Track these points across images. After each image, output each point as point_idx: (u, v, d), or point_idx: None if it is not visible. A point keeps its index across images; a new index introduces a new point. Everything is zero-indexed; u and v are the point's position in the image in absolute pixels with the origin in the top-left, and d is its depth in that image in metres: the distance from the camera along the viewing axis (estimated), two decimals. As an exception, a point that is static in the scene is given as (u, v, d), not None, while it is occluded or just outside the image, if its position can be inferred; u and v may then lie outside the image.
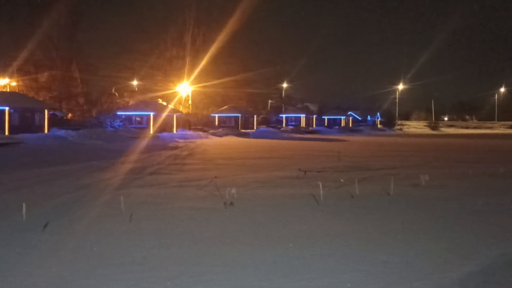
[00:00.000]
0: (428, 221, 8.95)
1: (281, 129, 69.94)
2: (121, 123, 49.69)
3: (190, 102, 70.49)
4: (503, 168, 17.57)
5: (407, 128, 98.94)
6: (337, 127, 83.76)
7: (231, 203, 10.28)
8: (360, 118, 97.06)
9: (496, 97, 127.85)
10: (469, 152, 29.90)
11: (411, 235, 7.84)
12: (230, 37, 66.13)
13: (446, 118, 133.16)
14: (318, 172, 16.71)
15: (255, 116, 73.61)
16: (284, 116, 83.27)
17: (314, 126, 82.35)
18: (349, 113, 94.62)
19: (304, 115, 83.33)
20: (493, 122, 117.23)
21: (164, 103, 58.82)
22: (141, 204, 10.55)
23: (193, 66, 66.55)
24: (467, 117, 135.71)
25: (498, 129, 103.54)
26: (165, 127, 51.21)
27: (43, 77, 57.57)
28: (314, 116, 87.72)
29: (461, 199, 11.30)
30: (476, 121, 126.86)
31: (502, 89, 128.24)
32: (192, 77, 67.48)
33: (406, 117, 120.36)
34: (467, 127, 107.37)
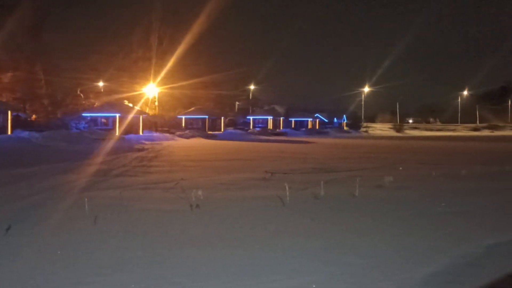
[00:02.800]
0: (392, 222, 9.07)
1: (249, 131, 70.10)
2: (87, 125, 49.16)
3: (156, 103, 70.08)
4: (465, 170, 17.91)
5: (373, 130, 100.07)
6: (304, 129, 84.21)
7: (197, 205, 10.26)
8: (326, 120, 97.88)
9: (459, 100, 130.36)
10: (433, 154, 30.39)
11: (376, 236, 7.94)
12: (198, 38, 66.09)
13: (410, 121, 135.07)
14: (285, 173, 16.78)
15: (222, 118, 73.62)
16: (251, 118, 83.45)
17: (281, 128, 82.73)
18: (316, 115, 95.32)
19: (271, 117, 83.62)
20: (456, 124, 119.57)
21: (130, 105, 58.40)
22: (106, 206, 10.44)
23: (160, 67, 66.25)
24: (431, 119, 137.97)
25: (461, 131, 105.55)
26: (131, 129, 50.82)
27: (6, 78, 56.51)
28: (281, 118, 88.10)
29: (424, 200, 11.48)
30: (439, 123, 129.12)
31: (465, 92, 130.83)
32: (159, 79, 67.11)
33: (372, 119, 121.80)
34: (431, 130, 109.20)
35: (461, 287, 5.71)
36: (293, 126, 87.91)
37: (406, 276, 5.99)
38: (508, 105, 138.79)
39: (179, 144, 40.42)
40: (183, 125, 67.19)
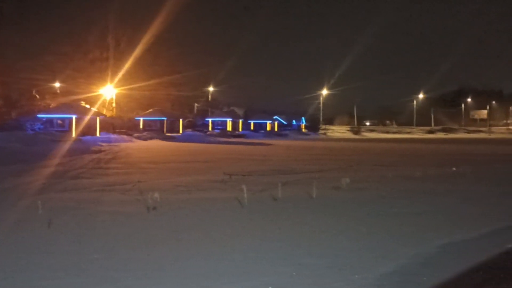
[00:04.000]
0: (349, 222, 9.18)
1: (207, 133, 69.86)
2: (42, 126, 48.20)
3: (114, 105, 69.22)
4: (420, 171, 18.26)
5: (331, 132, 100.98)
6: (263, 131, 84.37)
7: (154, 208, 10.19)
8: (285, 123, 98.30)
9: (415, 103, 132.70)
10: (389, 156, 30.87)
11: (333, 237, 8.02)
12: (156, 39, 65.59)
13: (368, 123, 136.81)
14: (243, 175, 16.80)
15: (181, 119, 73.13)
16: (210, 119, 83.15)
17: (240, 130, 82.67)
18: (275, 117, 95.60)
19: (230, 119, 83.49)
20: (412, 127, 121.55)
21: (87, 106, 57.51)
22: (62, 209, 10.27)
23: (118, 68, 65.42)
24: (388, 122, 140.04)
25: (417, 133, 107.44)
26: (88, 130, 50.07)
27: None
28: (241, 120, 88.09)
29: (379, 201, 11.66)
30: (396, 126, 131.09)
31: (421, 95, 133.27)
32: (116, 80, 66.29)
33: (330, 121, 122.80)
34: (387, 132, 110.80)
35: (415, 286, 5.82)
36: (252, 128, 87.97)
37: (361, 276, 6.07)
38: (462, 108, 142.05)
39: (137, 146, 40.02)
40: (141, 126, 66.51)
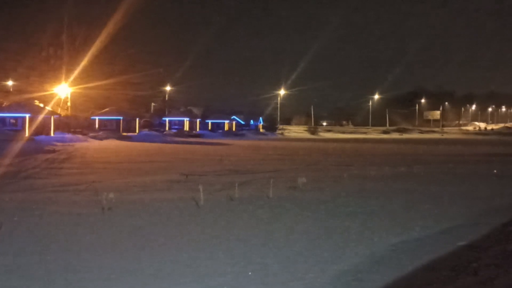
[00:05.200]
0: (304, 222, 9.24)
1: (164, 132, 69.33)
2: (-6, 125, 47.02)
3: (69, 104, 67.96)
4: (375, 171, 18.53)
5: (288, 132, 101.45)
6: (220, 131, 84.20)
7: (109, 208, 10.05)
8: (243, 123, 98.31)
9: (370, 103, 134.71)
10: (345, 156, 31.22)
11: (288, 237, 8.07)
12: (114, 37, 64.66)
13: (324, 123, 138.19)
14: (200, 175, 16.74)
15: (137, 119, 72.31)
16: (167, 119, 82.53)
17: (197, 130, 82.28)
18: (232, 117, 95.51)
19: (187, 119, 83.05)
20: (367, 127, 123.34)
21: (42, 105, 56.27)
22: (14, 210, 10.03)
23: (73, 66, 64.22)
24: (344, 122, 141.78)
25: (372, 134, 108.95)
26: (42, 129, 49.02)
27: None
28: (198, 119, 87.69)
29: (335, 200, 11.78)
30: (352, 126, 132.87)
31: (376, 96, 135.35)
32: (72, 78, 65.08)
33: (288, 121, 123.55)
34: (343, 132, 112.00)
35: (369, 285, 5.89)
36: (209, 128, 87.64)
37: (316, 275, 6.12)
38: (416, 109, 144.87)
39: (92, 146, 39.41)
40: (97, 126, 65.52)
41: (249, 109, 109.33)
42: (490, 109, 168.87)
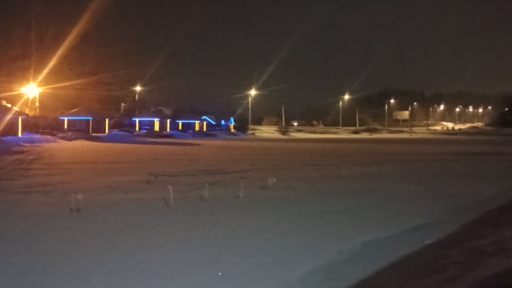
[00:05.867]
0: (275, 222, 9.27)
1: (134, 133, 68.85)
2: (-41, 126, 46.09)
3: (37, 104, 66.96)
4: (345, 170, 18.67)
5: (259, 132, 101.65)
6: (191, 131, 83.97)
7: (78, 209, 9.94)
8: (214, 123, 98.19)
9: (341, 103, 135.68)
10: (316, 156, 31.40)
11: (259, 236, 8.07)
12: (83, 36, 63.93)
13: (295, 123, 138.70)
14: (170, 176, 16.65)
15: (107, 119, 71.67)
16: (137, 119, 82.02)
17: (168, 130, 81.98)
18: (203, 117, 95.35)
19: (158, 119, 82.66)
20: (338, 127, 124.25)
21: (9, 105, 55.33)
22: (-22, 212, 9.86)
23: (42, 66, 63.25)
24: (315, 122, 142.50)
25: (342, 133, 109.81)
26: (9, 130, 48.19)
27: None
28: (169, 120, 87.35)
29: (305, 200, 11.83)
30: (323, 126, 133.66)
31: (346, 96, 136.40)
32: (40, 78, 64.10)
33: (259, 122, 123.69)
34: (314, 132, 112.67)
35: (338, 283, 5.93)
36: (180, 128, 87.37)
37: (286, 274, 6.14)
38: (385, 109, 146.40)
39: (61, 147, 38.92)
40: (66, 126, 64.76)
41: (220, 110, 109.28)
42: (457, 109, 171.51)
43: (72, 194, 10.77)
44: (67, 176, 16.66)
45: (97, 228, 8.60)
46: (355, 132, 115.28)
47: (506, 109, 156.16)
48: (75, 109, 67.90)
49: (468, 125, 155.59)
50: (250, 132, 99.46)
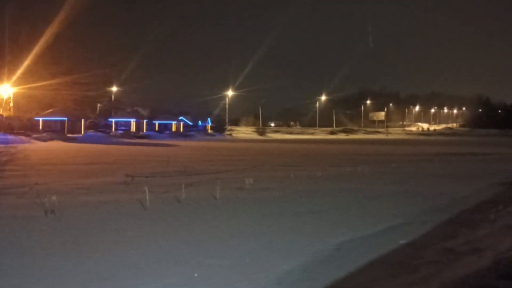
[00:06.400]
0: (251, 223, 9.27)
1: (110, 133, 68.38)
2: None
3: (11, 104, 66.11)
4: (322, 171, 18.76)
5: (237, 133, 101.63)
6: (168, 132, 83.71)
7: (52, 211, 9.84)
8: (191, 123, 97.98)
9: (317, 104, 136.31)
10: (292, 156, 31.51)
11: (235, 237, 8.08)
12: (58, 36, 63.30)
13: (272, 124, 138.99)
14: (146, 177, 16.57)
15: (83, 120, 71.06)
16: (113, 120, 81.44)
17: (144, 131, 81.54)
18: (180, 118, 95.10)
19: (134, 120, 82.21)
20: (315, 128, 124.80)
21: (-18, 106, 54.62)
22: (-50, 214, 9.71)
23: (16, 66, 62.46)
24: (292, 123, 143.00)
25: (319, 134, 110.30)
26: (-17, 131, 47.62)
27: None
28: (145, 120, 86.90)
29: (282, 201, 11.87)
30: (300, 127, 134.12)
31: (323, 97, 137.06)
32: (15, 78, 63.29)
33: (236, 122, 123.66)
34: (291, 133, 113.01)
35: (314, 283, 5.97)
36: (157, 129, 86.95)
37: (262, 275, 6.16)
38: (361, 110, 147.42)
39: (35, 147, 38.49)
40: (41, 127, 64.03)
41: (197, 110, 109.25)
42: (432, 110, 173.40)
43: (47, 196, 10.66)
44: (41, 178, 16.48)
45: (71, 230, 8.52)
46: (332, 132, 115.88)
47: (480, 110, 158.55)
48: (50, 110, 67.19)
49: (443, 126, 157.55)
50: (227, 132, 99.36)
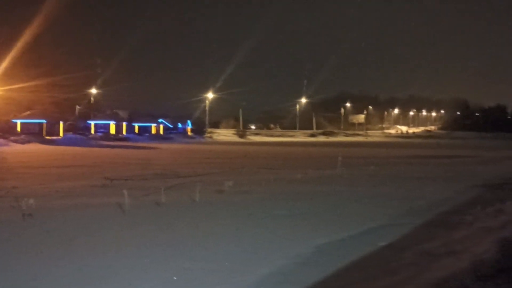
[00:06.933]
0: (231, 225, 9.26)
1: (90, 136, 67.83)
2: None
3: (-10, 107, 65.24)
4: (301, 174, 18.81)
5: (217, 136, 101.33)
6: (147, 134, 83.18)
7: (30, 214, 9.73)
8: (171, 126, 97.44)
9: (298, 107, 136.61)
10: (272, 159, 31.52)
11: (215, 240, 8.07)
12: (38, 38, 62.69)
13: (253, 127, 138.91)
14: (126, 180, 16.47)
15: (61, 122, 70.41)
16: (92, 122, 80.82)
17: (124, 133, 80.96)
18: (160, 120, 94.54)
19: (114, 122, 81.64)
20: (295, 130, 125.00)
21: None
22: None
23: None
24: (272, 125, 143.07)
25: (299, 137, 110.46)
26: (-41, 134, 46.99)
27: None
28: (125, 123, 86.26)
29: (262, 203, 11.87)
30: (280, 129, 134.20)
31: (303, 100, 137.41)
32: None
33: (216, 125, 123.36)
34: (271, 135, 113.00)
35: (293, 286, 5.98)
36: (136, 131, 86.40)
37: (242, 278, 6.15)
38: (341, 113, 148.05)
39: (13, 150, 38.08)
40: (19, 129, 63.33)
41: (177, 113, 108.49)
42: (411, 113, 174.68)
43: (25, 199, 10.55)
44: (19, 181, 16.29)
45: (49, 233, 8.44)
46: (312, 135, 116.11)
47: (458, 113, 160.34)
48: (29, 112, 66.51)
49: (422, 128, 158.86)
50: (208, 135, 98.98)
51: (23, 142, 48.78)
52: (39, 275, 6.18)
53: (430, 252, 7.43)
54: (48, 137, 58.51)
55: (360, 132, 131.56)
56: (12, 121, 65.04)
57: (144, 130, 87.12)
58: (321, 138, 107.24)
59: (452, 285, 5.75)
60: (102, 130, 77.78)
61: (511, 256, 6.77)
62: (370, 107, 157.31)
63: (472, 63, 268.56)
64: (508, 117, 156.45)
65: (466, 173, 21.75)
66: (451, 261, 6.76)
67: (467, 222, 9.66)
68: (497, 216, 10.04)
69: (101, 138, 64.47)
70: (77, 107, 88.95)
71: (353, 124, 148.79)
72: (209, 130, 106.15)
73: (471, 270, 6.20)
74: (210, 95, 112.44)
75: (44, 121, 65.12)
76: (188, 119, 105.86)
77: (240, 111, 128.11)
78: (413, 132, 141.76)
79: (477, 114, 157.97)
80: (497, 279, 5.91)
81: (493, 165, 27.26)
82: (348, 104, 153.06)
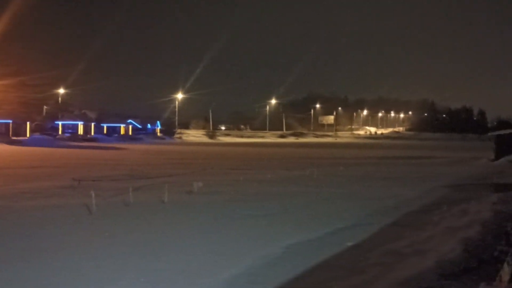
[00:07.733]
0: (199, 226, 9.24)
1: (57, 136, 66.91)
2: None
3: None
4: (271, 174, 18.87)
5: (187, 136, 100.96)
6: (116, 135, 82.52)
7: (-5, 216, 9.57)
8: (140, 126, 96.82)
9: (267, 108, 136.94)
10: (242, 160, 31.53)
11: (183, 242, 8.03)
12: (4, 37, 61.64)
13: (223, 127, 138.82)
14: (94, 181, 16.30)
15: (28, 122, 69.32)
16: (60, 123, 79.81)
17: (92, 133, 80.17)
18: (129, 121, 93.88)
19: (82, 123, 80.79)
20: (265, 131, 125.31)
21: None
22: None
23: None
24: (242, 126, 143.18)
25: (269, 138, 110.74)
26: None
27: None
28: (93, 123, 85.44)
29: (231, 204, 11.87)
30: (250, 130, 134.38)
31: (273, 101, 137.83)
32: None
33: (186, 125, 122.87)
34: (242, 136, 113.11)
35: (262, 287, 5.98)
36: (105, 132, 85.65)
37: (210, 280, 6.13)
38: (311, 114, 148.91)
39: (-22, 151, 37.36)
40: (-17, 130, 62.28)
41: (147, 113, 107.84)
42: (380, 114, 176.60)
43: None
44: (-16, 182, 16.01)
45: (15, 234, 8.31)
46: (282, 136, 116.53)
47: (426, 114, 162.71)
48: (-8, 112, 65.29)
49: (390, 129, 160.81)
50: (177, 136, 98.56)
51: (-13, 143, 47.94)
52: (5, 275, 6.07)
53: (396, 251, 7.51)
54: (14, 138, 57.62)
55: (330, 133, 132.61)
56: (-24, 122, 63.85)
57: (113, 131, 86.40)
58: (291, 139, 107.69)
59: (418, 284, 5.82)
60: (70, 130, 76.92)
61: (475, 256, 6.90)
62: (340, 108, 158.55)
63: (439, 65, 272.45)
64: (475, 118, 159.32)
65: (433, 173, 22.08)
66: (418, 260, 6.84)
67: (433, 222, 9.80)
68: (462, 216, 10.20)
69: (69, 139, 63.70)
70: (45, 107, 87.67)
71: (323, 125, 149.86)
72: (179, 130, 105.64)
73: (436, 268, 6.30)
74: (179, 96, 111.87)
75: (10, 121, 64.06)
76: (158, 120, 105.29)
77: (210, 111, 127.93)
78: (382, 133, 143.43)
79: (444, 115, 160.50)
80: (462, 278, 6.01)
81: (460, 166, 27.71)
82: (317, 105, 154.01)
